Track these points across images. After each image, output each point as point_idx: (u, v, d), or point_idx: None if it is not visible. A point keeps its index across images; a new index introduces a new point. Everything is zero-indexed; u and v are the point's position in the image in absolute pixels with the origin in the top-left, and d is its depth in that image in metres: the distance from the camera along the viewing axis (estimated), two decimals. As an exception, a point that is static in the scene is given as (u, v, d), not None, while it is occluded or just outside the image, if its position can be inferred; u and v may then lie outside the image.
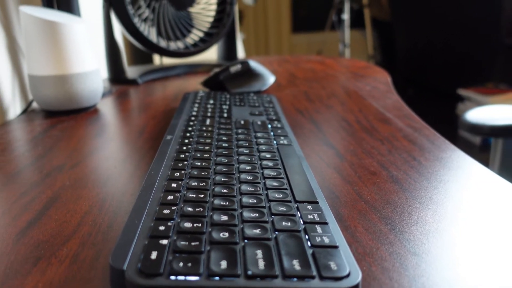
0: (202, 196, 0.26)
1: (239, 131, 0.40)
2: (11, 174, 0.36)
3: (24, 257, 0.24)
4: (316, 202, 0.26)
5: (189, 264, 0.19)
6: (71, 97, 0.54)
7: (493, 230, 0.25)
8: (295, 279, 0.19)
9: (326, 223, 0.23)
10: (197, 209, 0.24)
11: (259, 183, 0.28)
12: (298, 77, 0.79)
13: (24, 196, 0.32)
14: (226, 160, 0.32)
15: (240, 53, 1.17)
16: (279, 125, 0.43)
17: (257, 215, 0.24)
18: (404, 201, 0.30)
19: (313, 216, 0.24)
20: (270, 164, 0.32)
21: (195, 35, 0.81)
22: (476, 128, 0.85)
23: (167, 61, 0.92)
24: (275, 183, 0.28)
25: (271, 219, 0.24)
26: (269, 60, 1.01)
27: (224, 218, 0.23)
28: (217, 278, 0.19)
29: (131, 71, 0.81)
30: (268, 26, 3.03)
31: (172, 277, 0.18)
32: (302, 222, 0.23)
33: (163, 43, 0.76)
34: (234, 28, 0.88)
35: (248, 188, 0.27)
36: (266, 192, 0.27)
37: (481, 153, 1.84)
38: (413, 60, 2.62)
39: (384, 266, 0.22)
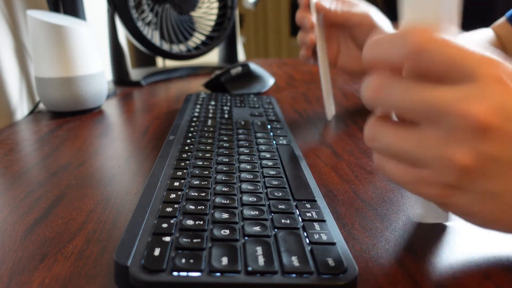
0: (203, 194, 0.26)
1: (240, 131, 0.41)
2: (18, 173, 0.37)
3: (31, 253, 0.24)
4: (314, 201, 0.26)
5: (191, 261, 0.19)
6: (76, 98, 0.54)
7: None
8: (294, 275, 0.19)
9: (324, 221, 0.24)
10: (198, 207, 0.24)
11: (259, 182, 0.29)
12: (297, 79, 0.79)
13: (31, 194, 0.32)
14: (227, 160, 0.33)
15: (241, 55, 1.17)
16: (278, 126, 0.44)
17: (257, 213, 0.24)
18: (399, 199, 0.30)
19: (312, 214, 0.25)
20: (270, 163, 0.32)
21: (197, 38, 0.81)
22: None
23: (170, 63, 0.93)
24: (274, 182, 0.29)
25: (271, 216, 0.24)
26: (268, 62, 1.02)
27: (225, 215, 0.24)
28: (218, 274, 0.19)
29: (135, 73, 0.82)
30: (268, 30, 3.03)
31: (175, 273, 0.19)
32: (300, 220, 0.24)
33: (166, 46, 0.77)
34: (234, 32, 0.89)
35: (249, 187, 0.28)
36: (266, 191, 0.27)
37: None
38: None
39: (380, 262, 0.23)
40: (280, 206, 0.25)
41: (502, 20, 0.59)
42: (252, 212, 0.24)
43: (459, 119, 0.18)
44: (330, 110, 0.50)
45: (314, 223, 0.23)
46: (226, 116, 0.47)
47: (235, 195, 0.27)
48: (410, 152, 0.20)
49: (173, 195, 0.26)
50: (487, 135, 0.18)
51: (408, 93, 0.19)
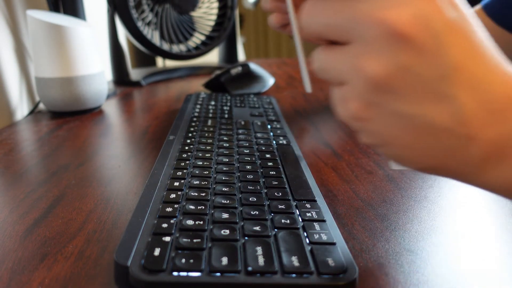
0: (203, 194, 0.26)
1: (240, 131, 0.41)
2: (18, 173, 0.37)
3: (31, 253, 0.24)
4: (314, 200, 0.26)
5: (191, 261, 0.20)
6: (76, 98, 0.54)
7: (485, 227, 0.26)
8: (294, 275, 0.19)
9: (324, 221, 0.24)
10: (198, 207, 0.25)
11: (259, 181, 0.29)
12: (297, 79, 0.79)
13: (31, 194, 0.32)
14: (227, 160, 0.33)
15: (241, 55, 1.17)
16: (278, 126, 0.44)
17: (257, 212, 0.24)
18: (399, 199, 0.30)
19: (312, 214, 0.25)
20: (270, 163, 0.32)
21: (197, 38, 0.81)
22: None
23: (170, 63, 0.93)
24: (274, 182, 0.29)
25: (271, 216, 0.24)
26: (268, 62, 1.02)
27: (225, 215, 0.24)
28: (218, 274, 0.19)
29: (135, 73, 0.82)
30: (268, 30, 3.03)
31: (175, 273, 0.19)
32: (300, 220, 0.24)
33: (166, 46, 0.77)
34: (234, 32, 0.89)
35: (249, 187, 0.28)
36: (265, 191, 0.28)
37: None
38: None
39: (380, 262, 0.23)
40: (280, 206, 0.25)
41: (477, 7, 0.56)
42: (252, 212, 0.24)
43: (375, 27, 0.17)
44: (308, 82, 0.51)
45: (314, 223, 0.24)
46: (226, 116, 0.47)
47: (235, 195, 0.27)
48: (333, 69, 0.19)
49: (173, 195, 0.26)
50: (402, 44, 0.16)
51: (331, 9, 0.19)
